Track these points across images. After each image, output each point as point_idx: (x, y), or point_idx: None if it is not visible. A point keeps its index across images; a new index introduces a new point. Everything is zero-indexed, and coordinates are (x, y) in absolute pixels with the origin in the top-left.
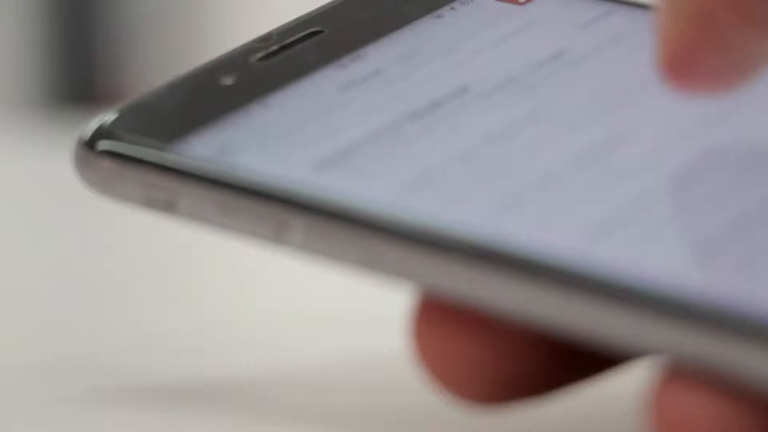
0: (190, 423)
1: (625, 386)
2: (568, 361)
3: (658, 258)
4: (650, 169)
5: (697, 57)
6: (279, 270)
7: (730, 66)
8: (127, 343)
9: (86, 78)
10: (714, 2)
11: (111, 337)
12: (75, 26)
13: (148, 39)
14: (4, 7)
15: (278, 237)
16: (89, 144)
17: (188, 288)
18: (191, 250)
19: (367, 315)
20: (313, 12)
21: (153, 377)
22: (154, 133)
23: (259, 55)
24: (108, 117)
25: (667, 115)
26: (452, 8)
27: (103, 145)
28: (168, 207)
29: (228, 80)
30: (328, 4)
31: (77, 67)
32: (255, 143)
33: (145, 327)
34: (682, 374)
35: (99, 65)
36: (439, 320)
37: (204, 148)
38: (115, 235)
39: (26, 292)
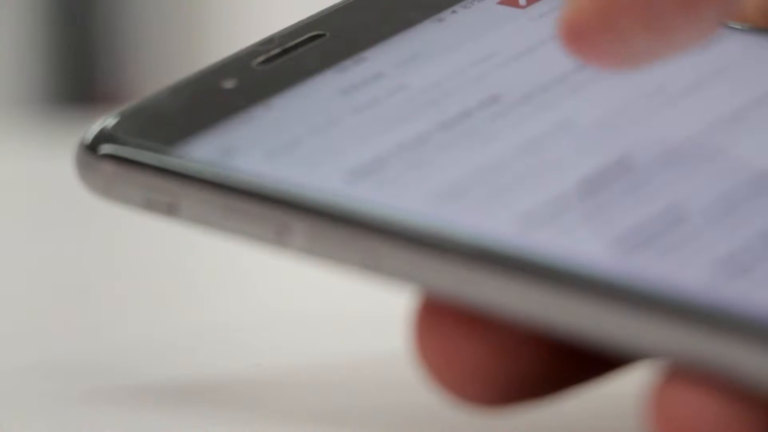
0: (189, 423)
1: (625, 386)
2: (570, 363)
3: (657, 258)
4: (664, 180)
5: (593, 33)
6: (280, 271)
7: (622, 51)
8: (126, 343)
9: (86, 78)
10: None
11: (111, 337)
12: (75, 26)
13: (148, 39)
14: (4, 7)
15: (280, 240)
16: (91, 147)
17: (188, 288)
18: (191, 251)
19: (369, 316)
20: (314, 15)
21: (153, 377)
22: (155, 137)
23: (261, 58)
24: (110, 120)
25: (684, 118)
26: (454, 12)
27: (105, 148)
28: (170, 210)
29: (230, 84)
30: (330, 7)
31: (77, 67)
32: (257, 146)
33: (145, 327)
34: (682, 374)
35: (99, 65)
36: (441, 321)
37: (206, 152)
38: (115, 235)
39: (26, 292)
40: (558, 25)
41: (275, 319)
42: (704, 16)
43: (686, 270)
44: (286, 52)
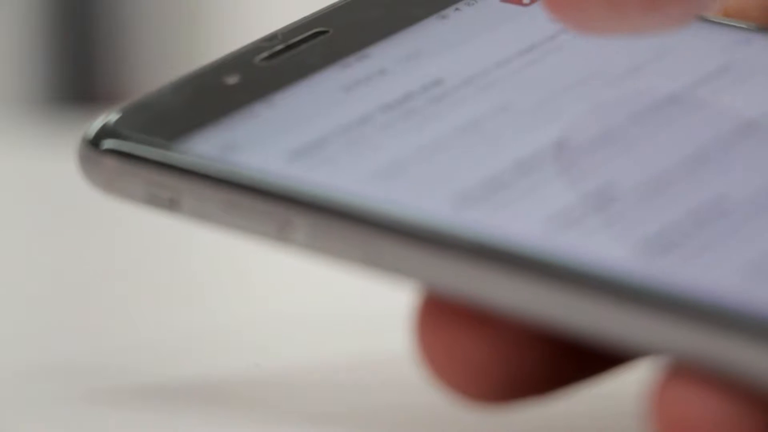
0: (189, 423)
1: (626, 386)
2: (572, 361)
3: (659, 257)
4: (642, 163)
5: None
6: (281, 269)
7: (605, 22)
8: (127, 343)
9: (86, 78)
10: None
11: (111, 337)
12: (75, 26)
13: (148, 39)
14: (4, 7)
15: (281, 235)
16: (93, 143)
17: (188, 288)
18: (192, 251)
19: (369, 315)
20: (317, 12)
21: (153, 377)
22: (158, 132)
23: (264, 54)
24: (112, 116)
25: (624, 103)
26: (457, 9)
27: (108, 143)
28: (172, 205)
29: (232, 79)
30: (333, 4)
31: (77, 67)
32: (259, 142)
33: (146, 327)
34: (684, 373)
35: (99, 65)
36: (443, 318)
37: (208, 147)
38: (116, 235)
39: (27, 292)
40: None
41: (275, 319)
42: (668, 14)
43: (687, 268)
44: (289, 48)
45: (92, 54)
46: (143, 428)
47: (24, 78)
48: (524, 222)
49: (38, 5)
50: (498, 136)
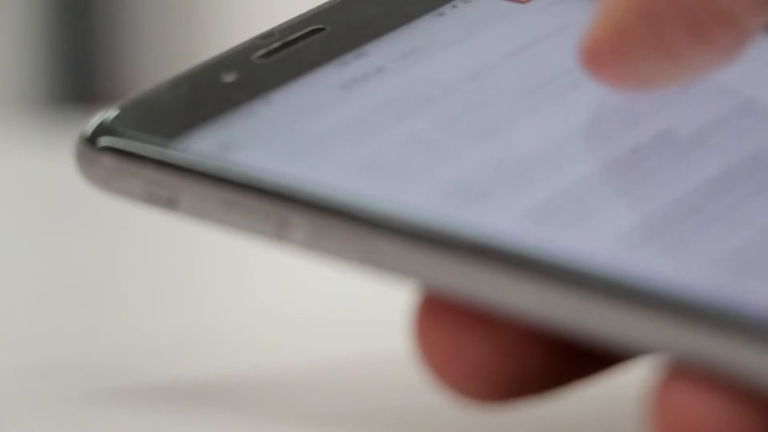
0: (189, 423)
1: (626, 386)
2: (571, 359)
3: (658, 256)
4: (642, 165)
5: (624, 50)
6: (279, 269)
7: (657, 69)
8: (126, 343)
9: (86, 78)
10: (659, 1)
11: (111, 337)
12: (75, 26)
13: (148, 39)
14: (4, 7)
15: (279, 234)
16: (91, 140)
17: (188, 289)
18: (191, 251)
19: (369, 316)
20: (315, 9)
21: (152, 377)
22: (155, 130)
23: (261, 52)
24: (109, 113)
25: (661, 112)
26: (454, 6)
27: (105, 141)
28: (169, 204)
29: (230, 77)
30: (330, 1)
31: (77, 67)
32: (256, 140)
33: (145, 327)
34: (683, 373)
35: (99, 65)
36: (442, 318)
37: (206, 145)
38: (114, 235)
39: (26, 292)
40: (578, 46)
41: (275, 319)
42: (717, 43)
43: (688, 267)
44: (286, 45)
45: (92, 54)
46: (143, 428)
47: (24, 78)
48: (522, 221)
49: (38, 5)
50: (498, 133)
